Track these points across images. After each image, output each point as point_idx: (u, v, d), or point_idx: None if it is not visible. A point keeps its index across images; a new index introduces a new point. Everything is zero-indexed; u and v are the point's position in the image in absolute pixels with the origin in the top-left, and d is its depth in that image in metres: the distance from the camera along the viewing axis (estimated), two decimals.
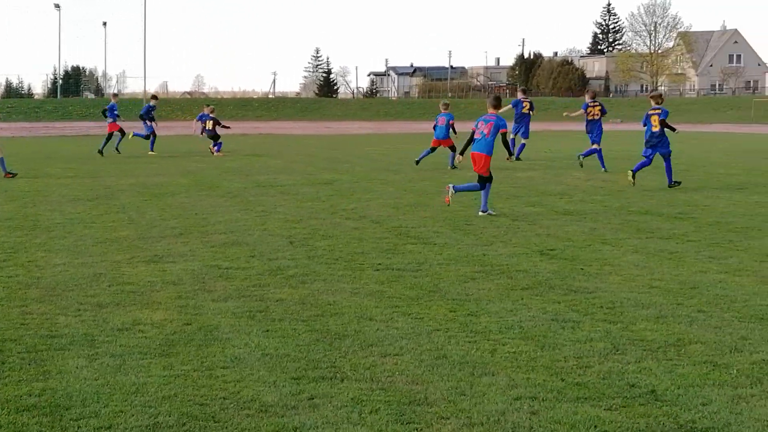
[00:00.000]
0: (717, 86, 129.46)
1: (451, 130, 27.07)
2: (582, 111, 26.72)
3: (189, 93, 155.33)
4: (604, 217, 15.63)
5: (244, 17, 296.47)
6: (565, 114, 28.01)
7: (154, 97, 37.46)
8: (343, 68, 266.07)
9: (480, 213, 16.17)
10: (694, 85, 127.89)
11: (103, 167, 27.33)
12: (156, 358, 7.14)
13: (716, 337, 7.74)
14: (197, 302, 9.10)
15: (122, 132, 33.99)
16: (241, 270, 10.77)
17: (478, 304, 9.03)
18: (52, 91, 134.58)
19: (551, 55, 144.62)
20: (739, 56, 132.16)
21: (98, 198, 18.79)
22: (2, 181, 22.55)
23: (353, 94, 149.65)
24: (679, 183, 20.94)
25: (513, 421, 5.80)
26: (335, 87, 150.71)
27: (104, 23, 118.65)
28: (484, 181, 16.16)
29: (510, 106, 29.89)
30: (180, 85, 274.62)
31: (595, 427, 5.69)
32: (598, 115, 26.21)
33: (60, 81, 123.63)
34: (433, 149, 27.43)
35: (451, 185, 16.40)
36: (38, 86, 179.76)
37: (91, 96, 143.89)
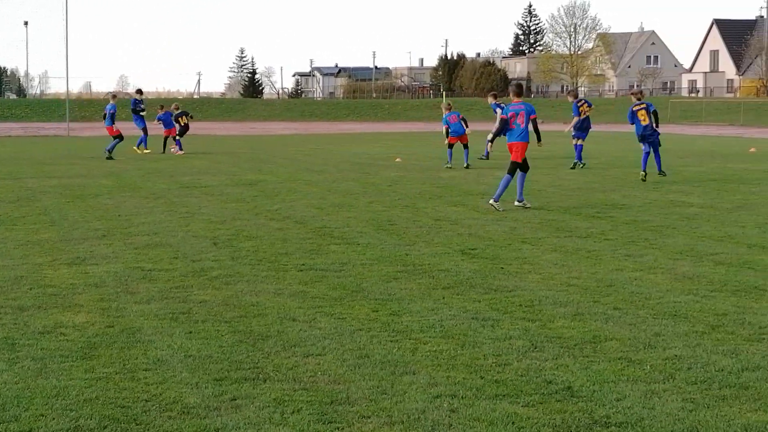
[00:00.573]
0: (635, 87, 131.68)
1: (463, 124, 27.40)
2: (576, 117, 26.75)
3: (113, 93, 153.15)
4: (524, 216, 15.78)
5: (168, 17, 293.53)
6: (568, 130, 27.28)
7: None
8: (268, 68, 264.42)
9: (516, 203, 16.79)
10: (612, 86, 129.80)
11: (23, 168, 26.87)
12: (78, 361, 7.10)
13: (631, 334, 7.88)
14: (120, 304, 9.05)
15: (120, 137, 32.08)
16: (164, 272, 10.72)
17: (401, 304, 9.09)
18: None
19: (474, 55, 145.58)
20: (656, 57, 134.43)
21: (19, 200, 18.49)
22: None
23: (278, 94, 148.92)
24: (665, 174, 22.13)
25: (433, 419, 5.88)
26: (260, 87, 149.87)
27: (25, 23, 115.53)
28: (515, 168, 16.73)
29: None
30: (104, 85, 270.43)
31: (513, 423, 5.78)
32: (588, 111, 26.74)
33: None
34: (451, 146, 27.35)
35: (491, 201, 16.72)
36: None
37: (13, 96, 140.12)
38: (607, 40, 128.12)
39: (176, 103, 37.80)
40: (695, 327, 8.11)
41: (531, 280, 10.24)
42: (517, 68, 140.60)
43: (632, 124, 21.91)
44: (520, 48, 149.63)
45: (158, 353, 7.32)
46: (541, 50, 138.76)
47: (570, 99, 27.83)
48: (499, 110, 29.89)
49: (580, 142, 26.69)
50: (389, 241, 13.16)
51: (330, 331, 8.04)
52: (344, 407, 6.10)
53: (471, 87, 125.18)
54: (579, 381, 6.58)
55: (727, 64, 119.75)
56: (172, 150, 34.26)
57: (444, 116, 27.62)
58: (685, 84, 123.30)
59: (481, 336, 7.84)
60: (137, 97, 35.92)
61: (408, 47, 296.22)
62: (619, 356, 7.22)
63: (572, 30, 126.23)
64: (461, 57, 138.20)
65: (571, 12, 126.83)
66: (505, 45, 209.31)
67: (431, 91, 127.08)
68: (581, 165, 26.41)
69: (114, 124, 32.64)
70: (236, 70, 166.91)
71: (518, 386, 6.48)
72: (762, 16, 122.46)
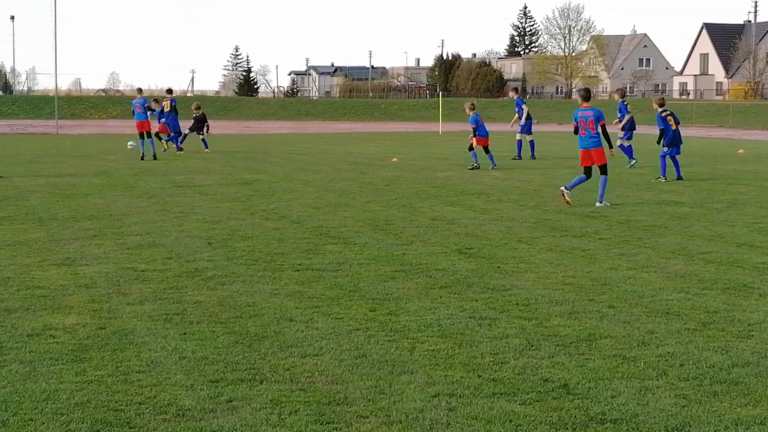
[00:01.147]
0: (628, 88, 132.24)
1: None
2: (626, 116, 26.65)
3: (104, 90, 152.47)
4: (520, 216, 15.80)
5: (161, 13, 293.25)
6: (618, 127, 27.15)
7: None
8: (264, 67, 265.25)
9: (597, 204, 16.94)
10: (606, 88, 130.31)
11: (9, 167, 26.54)
12: (68, 363, 6.96)
13: (625, 332, 7.97)
14: (112, 306, 8.90)
15: (148, 134, 30.62)
16: (157, 272, 10.58)
17: (398, 303, 9.04)
18: None
19: (470, 56, 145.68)
20: (648, 60, 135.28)
21: (6, 199, 18.28)
22: None
23: (273, 93, 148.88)
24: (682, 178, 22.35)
25: (431, 418, 5.86)
26: (255, 86, 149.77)
27: (12, 17, 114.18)
28: (606, 169, 17.23)
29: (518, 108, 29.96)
30: (94, 82, 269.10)
31: (510, 421, 5.80)
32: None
33: None
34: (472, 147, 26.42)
35: (563, 187, 17.33)
36: None
37: None
38: (600, 42, 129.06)
39: (197, 102, 37.61)
40: (687, 324, 8.24)
41: (527, 279, 10.28)
42: (513, 69, 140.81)
43: (662, 128, 22.02)
44: (516, 49, 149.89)
45: (152, 355, 7.18)
46: (537, 51, 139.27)
47: (616, 97, 27.69)
48: (525, 107, 30.01)
49: (628, 143, 26.76)
50: (386, 240, 13.07)
51: (327, 331, 7.96)
52: (342, 407, 6.05)
53: (467, 87, 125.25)
54: (575, 378, 6.65)
55: (716, 67, 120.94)
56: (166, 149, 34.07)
57: (472, 116, 26.07)
58: (676, 86, 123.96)
59: (478, 335, 7.87)
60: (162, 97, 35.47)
61: (404, 47, 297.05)
62: (613, 354, 7.30)
63: (567, 32, 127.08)
64: (457, 57, 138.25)
65: (565, 14, 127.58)
66: (501, 46, 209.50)
67: (428, 91, 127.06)
68: (634, 162, 26.45)
69: (147, 118, 30.86)
70: (231, 68, 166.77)
71: (515, 384, 6.52)
72: (749, 21, 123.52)
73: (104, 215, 15.73)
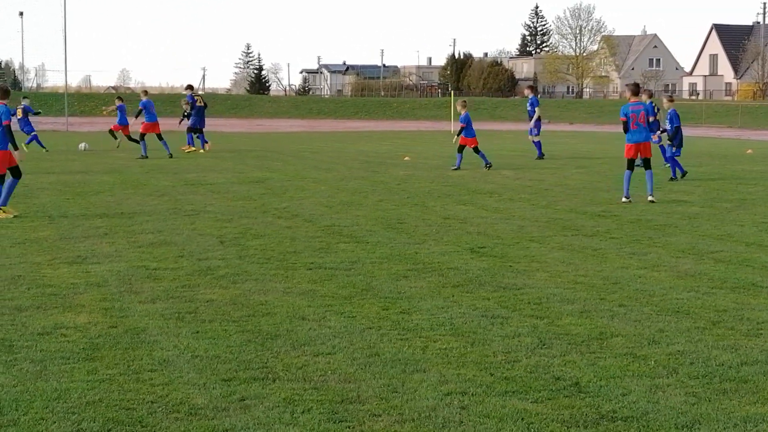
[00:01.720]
0: (643, 85, 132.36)
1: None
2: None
3: (114, 88, 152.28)
4: (532, 215, 15.79)
5: (172, 10, 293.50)
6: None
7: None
8: (275, 65, 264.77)
9: (650, 198, 17.39)
10: (616, 88, 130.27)
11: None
12: (79, 362, 6.92)
13: (636, 330, 8.01)
14: (123, 304, 8.87)
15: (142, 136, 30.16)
16: (169, 270, 10.54)
17: (410, 302, 9.02)
18: None
19: (481, 55, 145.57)
20: (658, 60, 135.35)
21: (16, 197, 17.95)
22: None
23: (285, 91, 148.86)
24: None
25: (444, 416, 5.87)
26: (267, 84, 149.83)
27: (21, 13, 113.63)
28: (650, 163, 17.63)
29: (532, 107, 29.38)
30: (104, 79, 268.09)
31: (522, 419, 5.83)
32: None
33: None
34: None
35: (649, 196, 17.53)
36: None
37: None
38: (611, 42, 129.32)
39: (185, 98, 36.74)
40: (697, 323, 8.28)
41: (539, 278, 10.31)
42: (524, 69, 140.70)
43: (677, 126, 22.06)
44: (527, 48, 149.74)
45: (164, 354, 7.15)
46: (548, 51, 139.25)
47: (644, 98, 26.87)
48: (538, 109, 29.56)
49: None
50: (399, 239, 13.03)
51: (340, 329, 7.94)
52: (355, 406, 6.05)
53: (479, 86, 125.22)
54: (586, 377, 6.69)
55: (725, 68, 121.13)
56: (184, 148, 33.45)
57: (464, 114, 25.40)
58: (685, 86, 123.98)
59: (490, 333, 7.90)
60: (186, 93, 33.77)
61: (416, 46, 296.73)
62: (624, 352, 7.35)
63: (578, 32, 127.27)
64: (469, 57, 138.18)
65: (576, 14, 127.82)
66: (512, 45, 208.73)
67: (439, 90, 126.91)
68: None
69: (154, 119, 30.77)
70: (242, 66, 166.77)
71: (527, 383, 6.55)
72: (758, 22, 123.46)
73: (115, 213, 15.71)
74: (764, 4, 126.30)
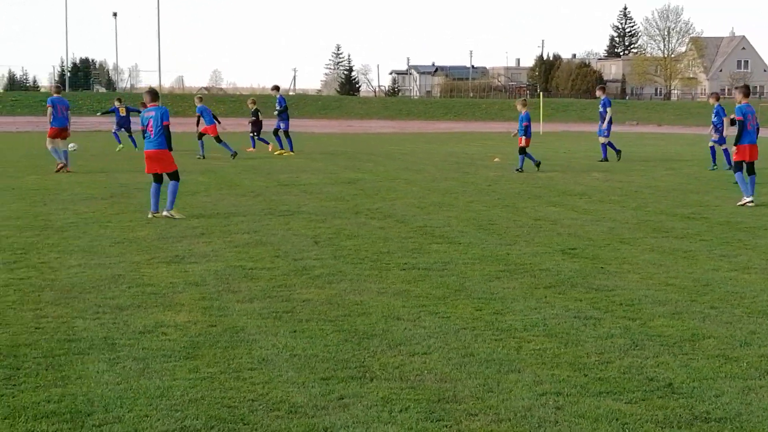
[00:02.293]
0: (726, 91, 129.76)
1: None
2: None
3: (206, 88, 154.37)
4: (622, 217, 15.71)
5: (264, 12, 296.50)
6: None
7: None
8: (365, 66, 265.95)
9: (751, 203, 17.12)
10: (705, 90, 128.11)
11: (115, 164, 26.95)
12: (181, 360, 7.08)
13: (727, 332, 8.00)
14: (222, 303, 9.04)
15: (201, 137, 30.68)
16: (266, 270, 10.71)
17: (503, 303, 9.06)
18: (60, 84, 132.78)
19: (570, 56, 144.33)
20: (746, 62, 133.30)
21: (113, 196, 18.52)
22: (9, 178, 22.23)
23: (375, 92, 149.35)
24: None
25: (539, 416, 5.92)
26: (357, 85, 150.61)
27: (114, 14, 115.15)
28: (752, 166, 17.47)
29: (604, 108, 28.40)
30: (197, 79, 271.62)
31: (617, 420, 5.86)
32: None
33: (68, 73, 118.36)
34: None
35: (745, 201, 17.30)
36: (44, 78, 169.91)
37: (102, 90, 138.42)
38: (699, 44, 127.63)
39: (252, 98, 36.44)
40: None
41: (630, 280, 10.29)
42: (612, 70, 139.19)
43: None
44: (615, 50, 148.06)
45: (263, 353, 7.27)
46: (636, 53, 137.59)
47: (712, 102, 26.00)
48: (610, 110, 28.83)
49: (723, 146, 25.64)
50: (490, 240, 13.03)
51: (434, 329, 7.99)
52: (451, 405, 6.11)
53: (567, 88, 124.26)
54: (679, 378, 6.71)
55: None
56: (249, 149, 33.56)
57: (525, 114, 25.05)
58: None
59: (583, 334, 7.92)
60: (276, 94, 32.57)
61: (505, 47, 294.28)
62: (716, 353, 7.35)
63: (666, 33, 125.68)
64: (557, 58, 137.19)
65: (665, 15, 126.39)
66: (601, 47, 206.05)
67: (528, 91, 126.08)
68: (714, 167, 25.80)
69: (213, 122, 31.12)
70: (332, 67, 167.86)
71: (621, 383, 6.58)
72: None
73: (211, 213, 15.97)
74: None
